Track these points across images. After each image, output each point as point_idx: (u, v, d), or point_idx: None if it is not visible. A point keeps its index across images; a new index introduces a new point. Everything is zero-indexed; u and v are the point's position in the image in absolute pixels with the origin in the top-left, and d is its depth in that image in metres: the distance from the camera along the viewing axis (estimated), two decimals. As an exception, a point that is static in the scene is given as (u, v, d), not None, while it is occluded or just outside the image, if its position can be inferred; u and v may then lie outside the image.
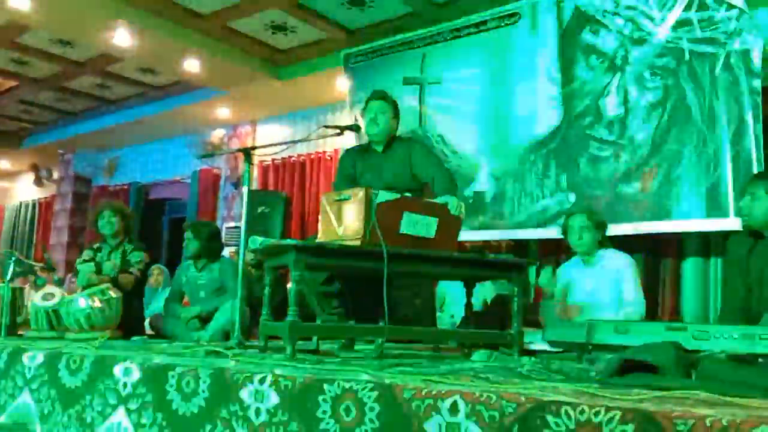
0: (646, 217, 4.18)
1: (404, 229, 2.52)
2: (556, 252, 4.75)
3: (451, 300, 4.67)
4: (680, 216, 4.06)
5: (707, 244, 4.31)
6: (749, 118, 3.84)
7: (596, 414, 1.19)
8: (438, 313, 4.31)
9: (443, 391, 1.41)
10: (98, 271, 4.03)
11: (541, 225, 4.57)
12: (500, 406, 1.31)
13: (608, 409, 1.19)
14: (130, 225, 4.29)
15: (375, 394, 1.50)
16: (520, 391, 1.39)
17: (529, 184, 4.70)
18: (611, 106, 4.40)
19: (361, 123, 3.34)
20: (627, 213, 4.25)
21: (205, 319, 3.96)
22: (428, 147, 3.47)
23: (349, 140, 4.68)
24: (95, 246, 4.28)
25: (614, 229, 4.14)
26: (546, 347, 2.78)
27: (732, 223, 3.83)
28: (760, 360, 1.62)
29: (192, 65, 6.02)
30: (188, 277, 4.23)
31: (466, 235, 4.88)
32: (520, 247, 4.97)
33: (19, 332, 3.67)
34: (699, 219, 4.00)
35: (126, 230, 4.22)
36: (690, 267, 4.36)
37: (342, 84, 5.92)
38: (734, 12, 3.92)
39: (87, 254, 4.23)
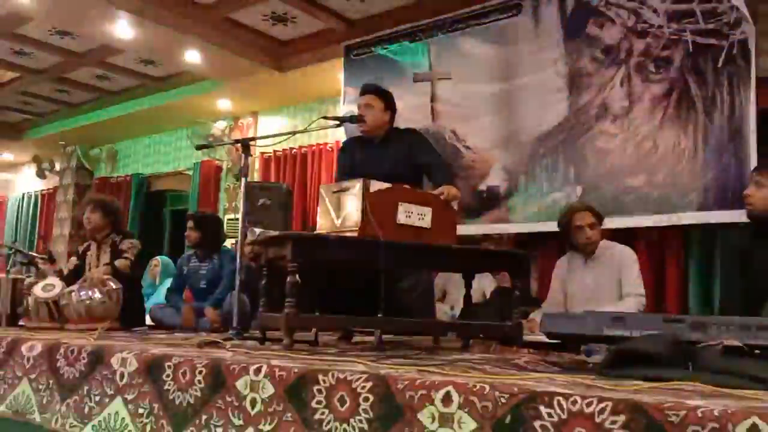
0: (651, 210, 4.16)
1: (400, 219, 2.52)
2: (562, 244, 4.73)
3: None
4: (684, 209, 4.04)
5: (712, 237, 4.29)
6: (749, 109, 3.82)
7: (588, 405, 1.18)
8: (438, 304, 4.31)
9: (437, 382, 1.41)
10: (81, 273, 3.91)
11: (551, 218, 4.56)
12: (493, 397, 1.31)
13: (600, 399, 1.18)
14: (117, 218, 4.11)
15: (369, 384, 1.50)
16: (514, 382, 1.39)
17: (539, 177, 4.68)
18: (616, 99, 4.37)
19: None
20: (632, 206, 4.22)
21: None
22: (428, 139, 3.46)
23: (352, 131, 4.66)
24: (83, 248, 4.16)
25: (620, 222, 4.14)
26: (545, 339, 2.77)
27: (735, 215, 3.81)
28: (756, 351, 1.61)
29: (192, 56, 6.00)
30: (190, 267, 4.24)
31: (480, 229, 4.88)
32: (530, 240, 4.95)
33: (19, 323, 3.68)
34: (703, 211, 3.98)
35: (113, 224, 4.06)
36: (695, 260, 4.34)
37: (343, 76, 5.90)
38: (736, 3, 3.89)
39: (72, 262, 4.13)
